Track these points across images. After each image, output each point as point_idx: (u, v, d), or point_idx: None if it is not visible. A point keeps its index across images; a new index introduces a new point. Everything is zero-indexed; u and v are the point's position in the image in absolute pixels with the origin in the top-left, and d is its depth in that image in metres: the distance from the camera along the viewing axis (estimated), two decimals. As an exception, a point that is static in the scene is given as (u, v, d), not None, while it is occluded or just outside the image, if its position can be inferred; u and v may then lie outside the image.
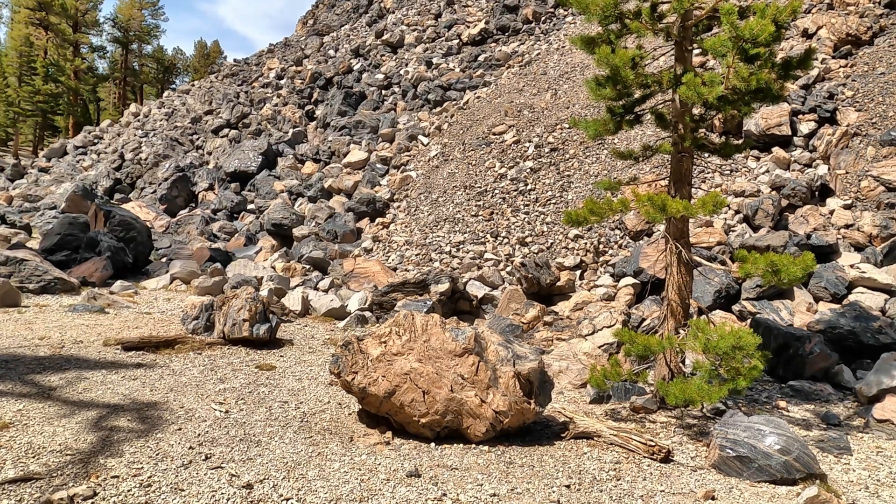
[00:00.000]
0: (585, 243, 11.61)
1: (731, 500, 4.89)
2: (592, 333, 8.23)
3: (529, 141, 14.63)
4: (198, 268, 12.37)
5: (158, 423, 5.42)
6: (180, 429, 5.36)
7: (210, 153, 22.34)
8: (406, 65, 23.27)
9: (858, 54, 14.55)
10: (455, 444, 5.61)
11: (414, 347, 5.82)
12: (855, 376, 7.59)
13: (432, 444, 5.59)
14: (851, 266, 9.44)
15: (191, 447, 5.01)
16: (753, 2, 6.24)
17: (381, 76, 23.04)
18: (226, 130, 23.57)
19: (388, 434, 5.69)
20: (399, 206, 14.58)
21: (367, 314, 10.18)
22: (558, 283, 10.44)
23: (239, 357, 7.66)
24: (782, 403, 7.08)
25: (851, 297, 8.93)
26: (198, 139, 23.76)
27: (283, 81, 26.67)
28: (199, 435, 5.27)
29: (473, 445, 5.62)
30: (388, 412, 5.76)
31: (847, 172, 11.91)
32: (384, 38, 25.93)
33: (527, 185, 13.44)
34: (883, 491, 5.18)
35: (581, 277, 11.06)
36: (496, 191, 13.43)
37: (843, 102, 13.41)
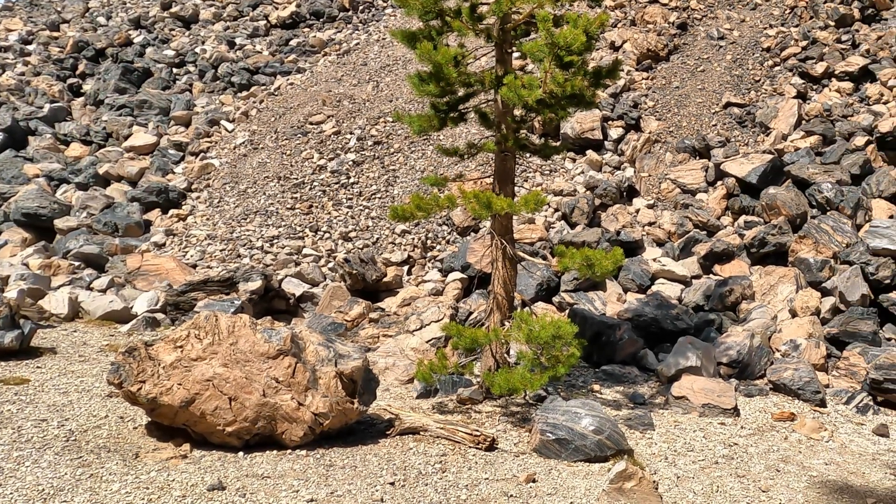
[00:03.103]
0: (413, 238, 12.01)
1: (551, 481, 5.39)
2: (420, 328, 8.56)
3: (351, 133, 14.74)
4: None
5: None
6: None
7: (-85, 126, 18.91)
8: (202, 42, 22.10)
9: (657, 68, 16.94)
10: (268, 451, 5.49)
11: (218, 351, 5.61)
12: (657, 359, 8.76)
13: (240, 454, 5.41)
14: (654, 260, 10.99)
15: None
16: (567, 11, 6.99)
17: (171, 52, 21.57)
18: (-59, 99, 20.16)
19: (186, 446, 5.40)
20: (199, 197, 13.81)
21: (160, 316, 9.59)
22: (385, 279, 10.66)
23: (-28, 373, 6.70)
24: (596, 387, 7.97)
25: (654, 288, 10.36)
26: None
27: (31, 47, 23.57)
28: None
29: (289, 451, 5.53)
30: (186, 423, 5.49)
31: (650, 175, 13.85)
32: (173, 10, 24.27)
33: (349, 178, 13.52)
34: (678, 459, 6.07)
35: (409, 273, 11.41)
36: (315, 183, 13.32)
37: (646, 111, 15.52)
